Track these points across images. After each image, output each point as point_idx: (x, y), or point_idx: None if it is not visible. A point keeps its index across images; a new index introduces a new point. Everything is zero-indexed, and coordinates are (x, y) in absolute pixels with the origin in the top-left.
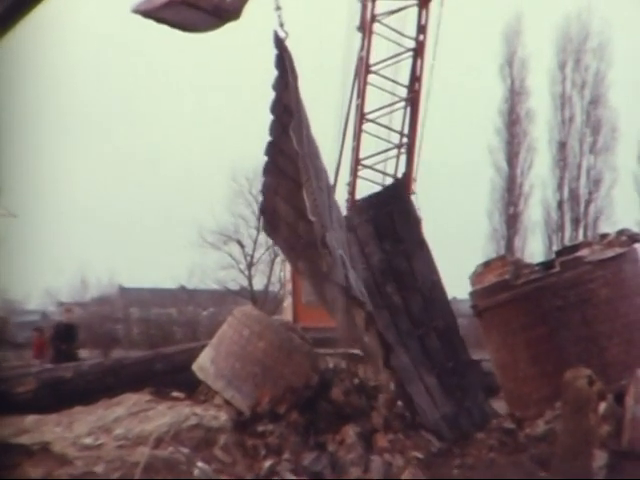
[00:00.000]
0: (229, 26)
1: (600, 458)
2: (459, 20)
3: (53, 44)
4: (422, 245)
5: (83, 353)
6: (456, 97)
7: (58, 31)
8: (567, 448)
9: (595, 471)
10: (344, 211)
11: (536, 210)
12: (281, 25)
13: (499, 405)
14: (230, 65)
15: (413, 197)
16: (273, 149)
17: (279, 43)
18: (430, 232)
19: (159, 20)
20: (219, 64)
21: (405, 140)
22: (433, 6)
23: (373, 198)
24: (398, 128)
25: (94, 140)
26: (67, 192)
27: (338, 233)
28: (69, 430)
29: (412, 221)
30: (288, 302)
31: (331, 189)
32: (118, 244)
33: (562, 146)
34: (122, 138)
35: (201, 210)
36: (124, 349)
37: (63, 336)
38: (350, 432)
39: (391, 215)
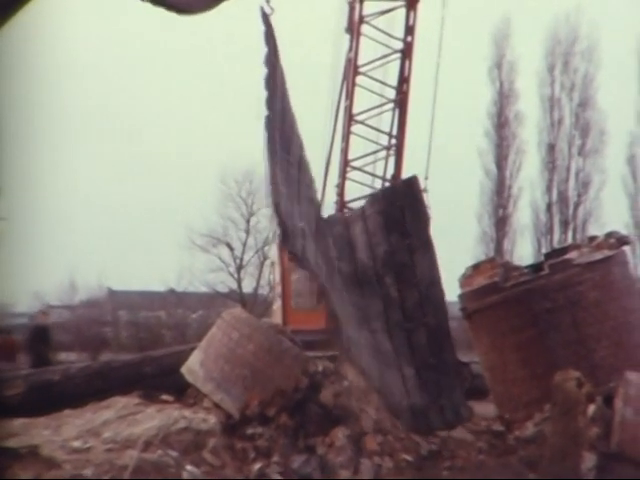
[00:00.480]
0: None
1: (589, 460)
2: (448, 22)
3: (47, 40)
4: (427, 243)
5: (71, 356)
6: (445, 99)
7: (53, 25)
8: (556, 450)
9: (584, 473)
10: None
11: (525, 212)
12: (267, 0)
13: (488, 407)
14: (220, 65)
15: (425, 195)
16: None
17: (265, 19)
18: None
19: (155, 2)
20: (209, 63)
21: (394, 142)
22: (433, 7)
23: (388, 191)
24: (387, 130)
25: (83, 143)
26: (56, 195)
27: (305, 207)
28: (58, 433)
29: (421, 219)
30: (277, 305)
31: (304, 163)
32: (107, 247)
33: (551, 148)
34: (111, 141)
35: (190, 213)
36: (113, 352)
37: (39, 339)
38: (339, 435)
39: (402, 210)
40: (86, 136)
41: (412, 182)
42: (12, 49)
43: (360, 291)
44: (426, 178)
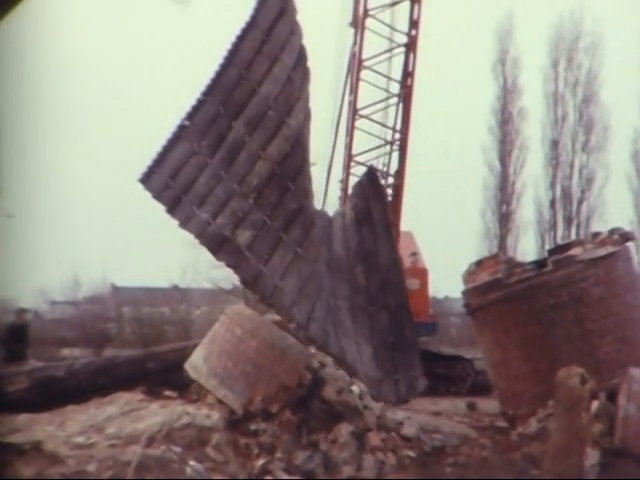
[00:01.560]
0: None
1: (592, 456)
2: (452, 19)
3: (46, 34)
4: (387, 229)
5: (75, 352)
6: (449, 96)
7: (52, 19)
8: (559, 446)
9: (587, 469)
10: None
11: (529, 209)
12: None
13: (492, 404)
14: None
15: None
16: None
17: None
18: (423, 231)
19: None
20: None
21: (398, 136)
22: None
23: (356, 185)
24: (391, 125)
25: (86, 138)
26: (59, 191)
27: (243, 169)
28: (61, 429)
29: (382, 206)
30: None
31: (267, 122)
32: (111, 243)
33: (555, 144)
34: (114, 137)
35: None
36: (116, 348)
37: (16, 337)
38: (343, 431)
39: (368, 200)
40: (89, 132)
41: (372, 173)
42: (10, 44)
43: (331, 275)
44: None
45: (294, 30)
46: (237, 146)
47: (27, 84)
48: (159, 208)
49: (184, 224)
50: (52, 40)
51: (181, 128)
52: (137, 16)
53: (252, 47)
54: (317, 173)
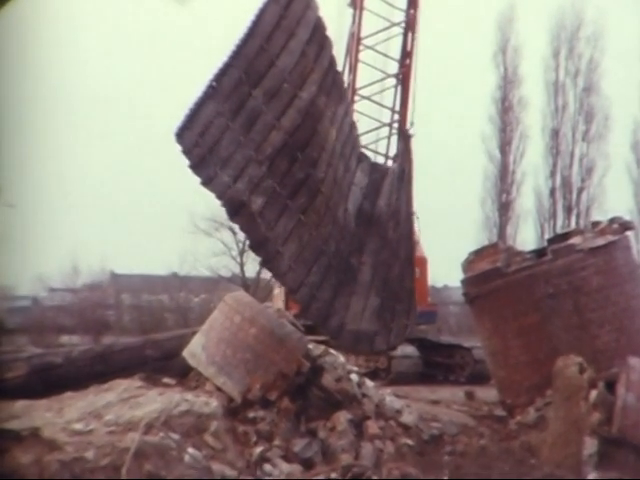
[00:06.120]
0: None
1: (590, 445)
2: (453, 8)
3: (49, 24)
4: (410, 184)
5: (74, 339)
6: (449, 84)
7: (53, 10)
8: (558, 435)
9: (585, 458)
10: None
11: (528, 198)
12: None
13: (490, 392)
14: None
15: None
16: None
17: None
18: (423, 219)
19: None
20: (211, 46)
21: (396, 117)
22: None
23: (397, 147)
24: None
25: (85, 127)
26: (59, 179)
27: (259, 135)
28: (59, 416)
29: (411, 163)
30: (280, 289)
31: (283, 93)
32: (110, 230)
33: (555, 134)
34: (113, 125)
35: (193, 196)
36: (115, 335)
37: None
38: (341, 419)
39: (403, 159)
40: (88, 120)
41: (405, 135)
42: (11, 40)
43: (368, 230)
44: (412, 124)
45: (309, 4)
46: (255, 114)
47: (28, 76)
48: (158, 195)
49: (207, 183)
50: (53, 36)
51: (210, 87)
52: (137, 14)
53: (272, 21)
54: None
